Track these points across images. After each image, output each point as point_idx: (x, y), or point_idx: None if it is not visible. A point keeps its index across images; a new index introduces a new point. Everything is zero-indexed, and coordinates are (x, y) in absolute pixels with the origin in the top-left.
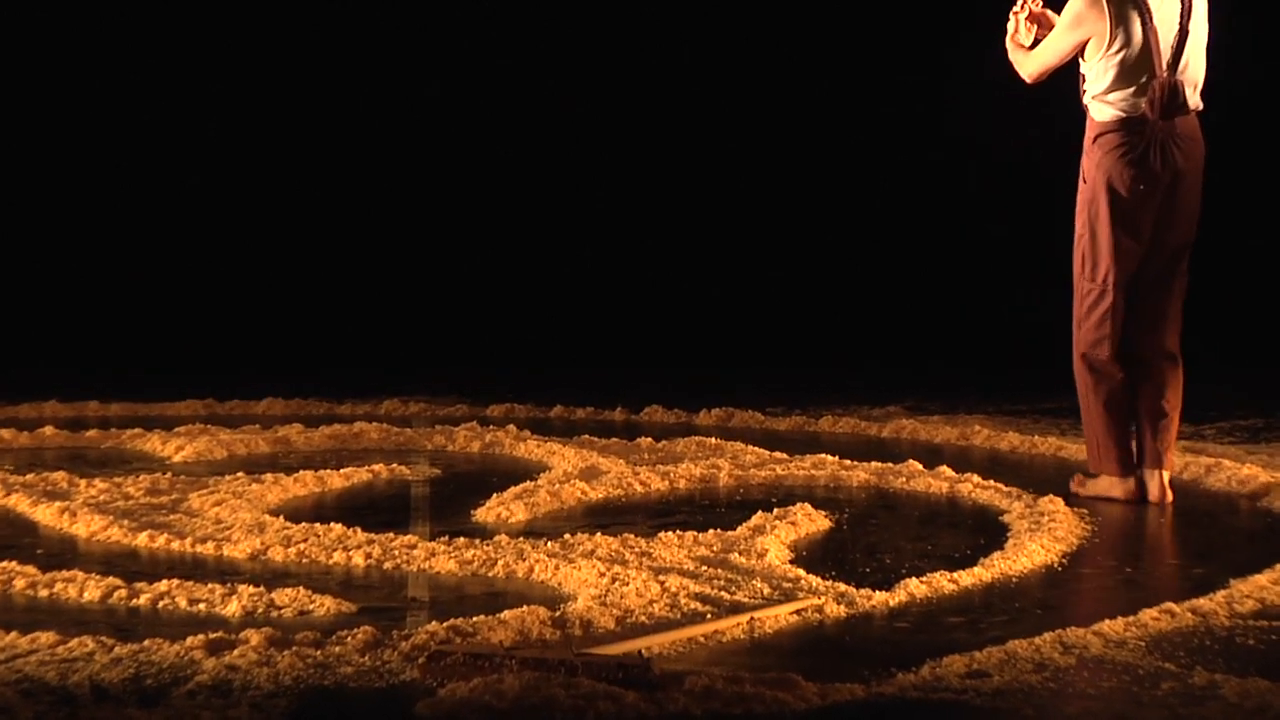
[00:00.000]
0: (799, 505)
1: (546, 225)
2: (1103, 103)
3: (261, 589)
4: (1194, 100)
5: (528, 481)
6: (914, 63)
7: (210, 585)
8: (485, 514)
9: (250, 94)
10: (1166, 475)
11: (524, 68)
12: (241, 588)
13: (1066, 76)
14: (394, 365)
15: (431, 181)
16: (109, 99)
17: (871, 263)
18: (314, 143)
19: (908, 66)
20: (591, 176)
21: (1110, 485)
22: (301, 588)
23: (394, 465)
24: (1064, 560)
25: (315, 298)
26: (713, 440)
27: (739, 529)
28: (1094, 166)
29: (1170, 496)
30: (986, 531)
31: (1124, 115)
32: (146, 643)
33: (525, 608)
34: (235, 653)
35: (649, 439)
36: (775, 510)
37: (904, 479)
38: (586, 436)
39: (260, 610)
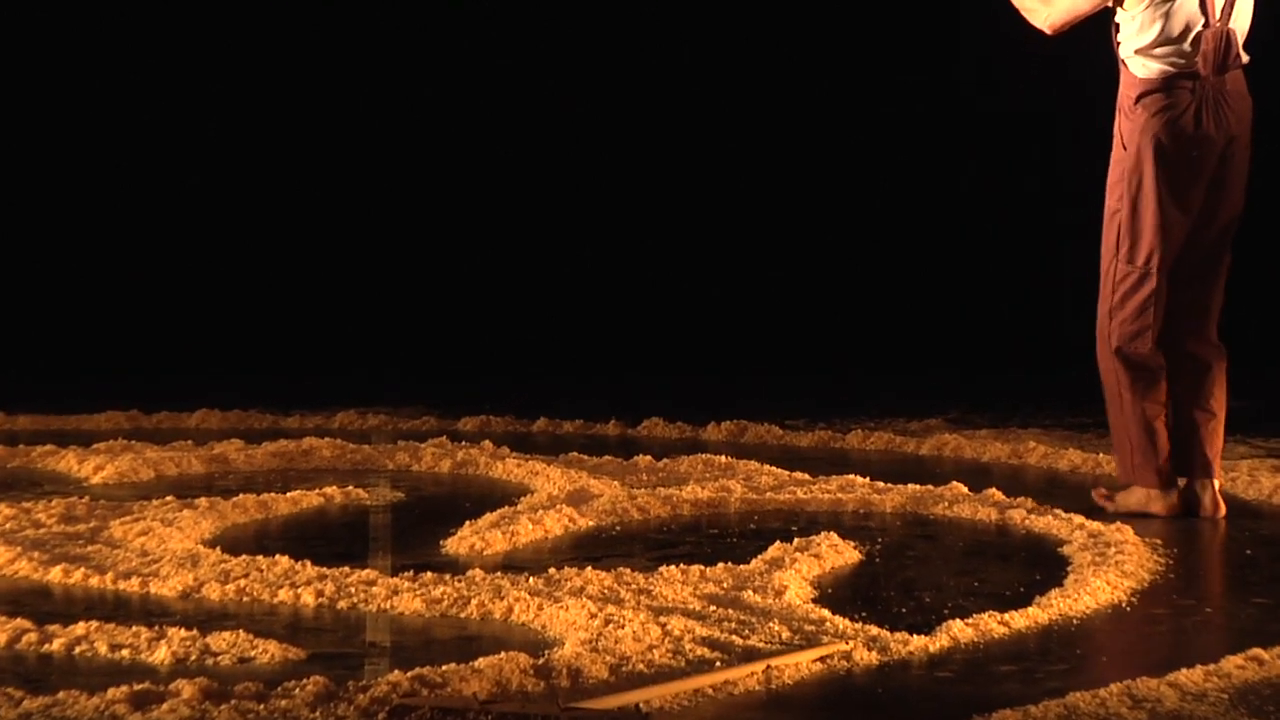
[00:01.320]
0: (823, 535)
1: (528, 217)
2: (1148, 57)
3: (195, 632)
4: (1242, 52)
5: (506, 507)
6: (930, 48)
7: (135, 628)
8: (456, 545)
9: (201, 88)
10: (1218, 485)
11: (515, 63)
12: (171, 631)
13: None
14: (350, 371)
15: (399, 172)
16: (56, 97)
17: (908, 253)
18: (265, 130)
19: (923, 54)
20: (585, 167)
21: (1147, 499)
22: (241, 631)
23: (349, 488)
24: (1134, 599)
25: (258, 294)
26: (722, 458)
27: (753, 562)
28: (1136, 131)
29: (1224, 510)
30: (1043, 565)
31: (1173, 71)
32: (61, 695)
33: (503, 654)
34: (164, 707)
35: (648, 457)
36: (796, 540)
37: (946, 504)
38: (575, 454)
39: (193, 657)
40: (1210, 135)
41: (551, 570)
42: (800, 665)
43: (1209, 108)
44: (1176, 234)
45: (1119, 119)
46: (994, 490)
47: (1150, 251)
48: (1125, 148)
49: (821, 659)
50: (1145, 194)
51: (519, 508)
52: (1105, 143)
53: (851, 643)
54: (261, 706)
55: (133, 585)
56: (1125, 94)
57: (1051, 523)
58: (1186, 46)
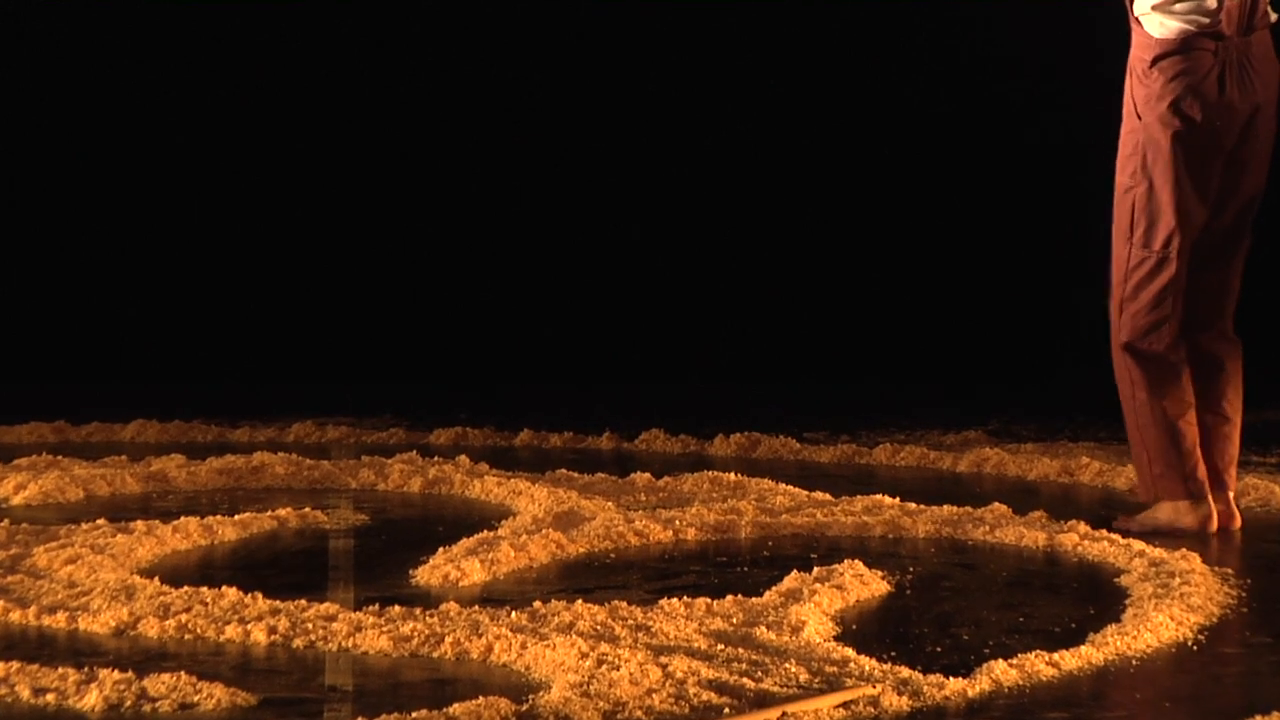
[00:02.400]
0: (847, 563)
1: (510, 208)
2: (1166, 14)
3: (130, 674)
4: (1270, 10)
5: (485, 531)
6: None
7: (61, 669)
8: (429, 574)
9: (161, 92)
10: (1232, 496)
11: (504, 63)
12: (103, 673)
13: None
14: (307, 377)
15: (363, 164)
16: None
17: (943, 246)
18: (218, 127)
19: (945, 53)
20: (580, 158)
21: (1175, 513)
22: (183, 672)
23: (306, 510)
24: (1201, 636)
25: (201, 292)
26: (731, 476)
27: (767, 594)
28: (1153, 98)
29: (1239, 522)
30: (1097, 598)
31: (1194, 30)
32: None
33: (482, 700)
34: None
35: (646, 475)
36: (815, 570)
37: (987, 528)
38: (563, 471)
39: (128, 703)
40: (1234, 103)
41: (537, 603)
42: (821, 712)
43: (1233, 72)
44: (1196, 214)
45: (1131, 84)
46: (1041, 512)
47: (1169, 234)
48: (1139, 117)
49: (845, 705)
50: (1162, 169)
51: (500, 532)
52: None
53: (879, 686)
54: None
55: (59, 620)
56: (1139, 56)
57: (1107, 549)
58: (1210, 3)
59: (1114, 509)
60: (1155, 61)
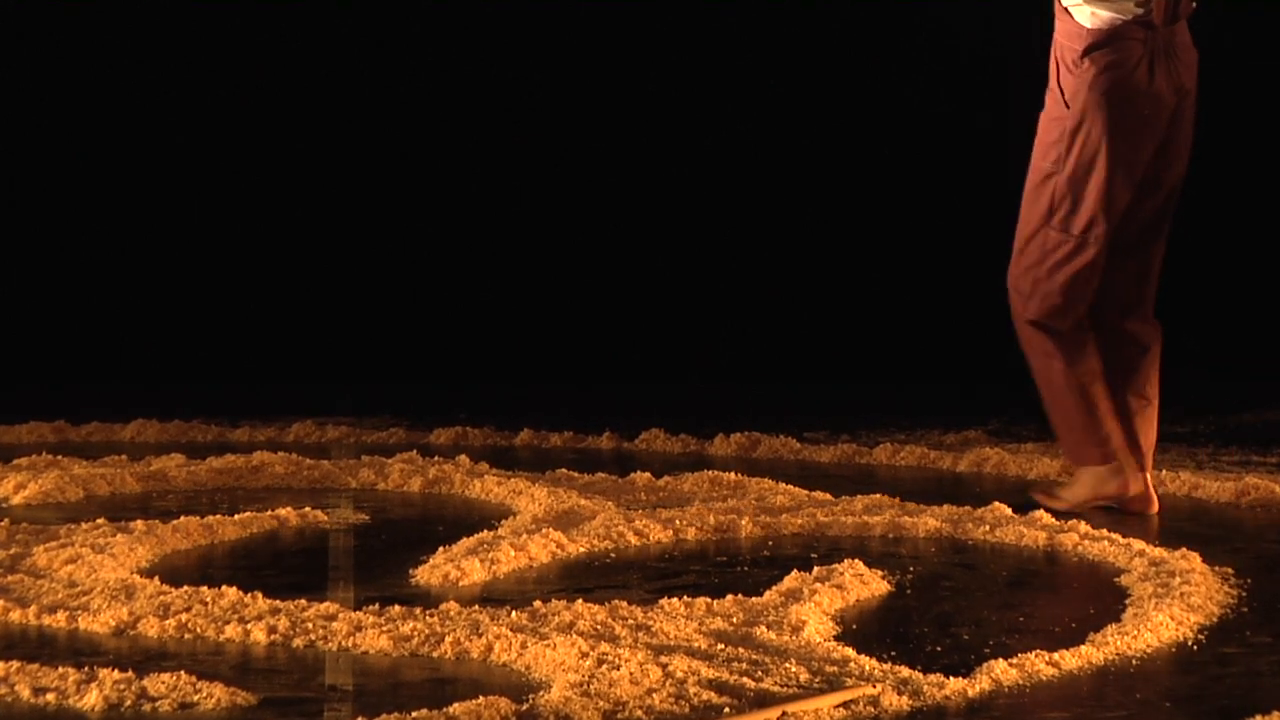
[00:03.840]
0: (847, 563)
1: (508, 206)
2: (1097, 5)
3: (130, 674)
4: None
5: (485, 531)
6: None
7: (61, 669)
8: (428, 574)
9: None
10: (1150, 477)
11: (501, 64)
12: (103, 672)
13: None
14: (306, 377)
15: (361, 164)
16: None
17: (940, 246)
18: (209, 127)
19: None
20: (579, 163)
21: (1097, 482)
22: (183, 672)
23: (306, 509)
24: (1201, 636)
25: (201, 292)
26: (731, 476)
27: (767, 594)
28: (1084, 87)
29: (1156, 505)
30: (1098, 598)
31: (1124, 19)
32: None
33: (482, 699)
34: None
35: (646, 474)
36: (815, 569)
37: (987, 528)
38: (564, 471)
39: (128, 702)
40: (1162, 92)
41: (537, 603)
42: (821, 712)
43: (1160, 61)
44: (1121, 201)
45: (1058, 73)
46: (1042, 512)
47: (1091, 220)
48: (1068, 105)
49: (845, 704)
50: (1091, 157)
51: (500, 532)
52: None
53: (879, 686)
54: None
55: (59, 620)
56: (1068, 46)
57: (1107, 549)
58: None
59: (1114, 508)
60: (1087, 51)
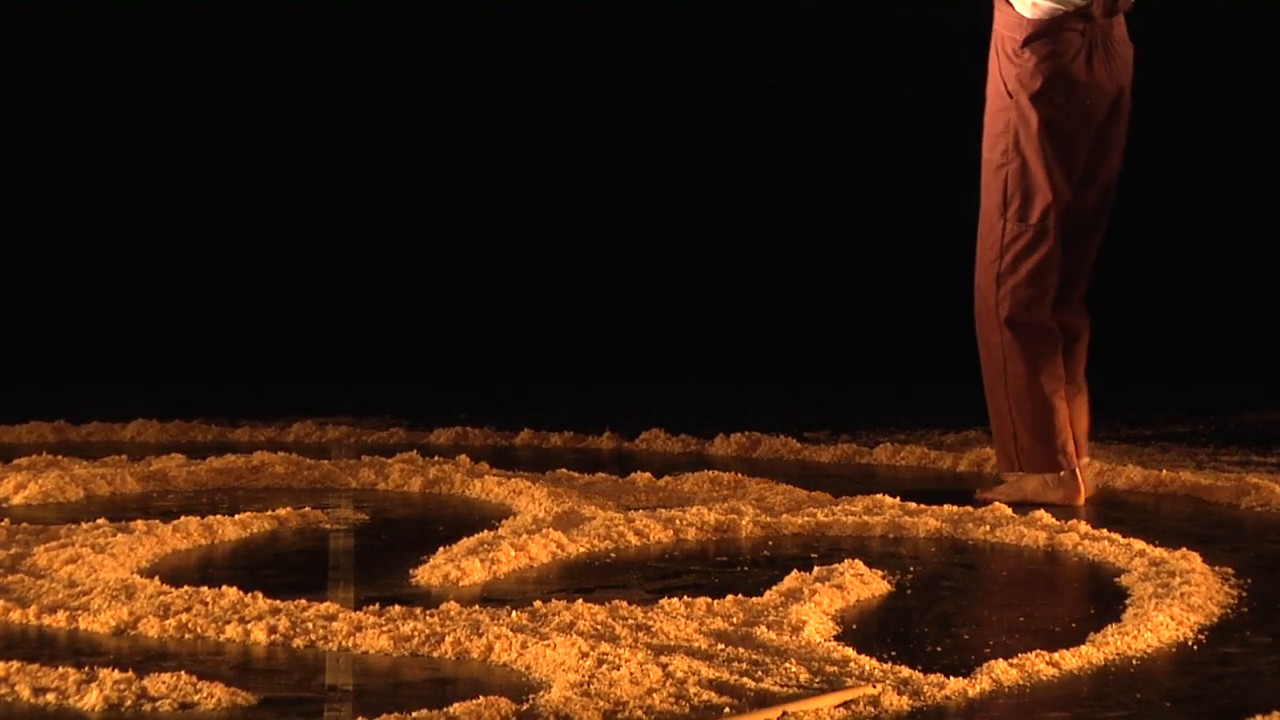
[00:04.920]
0: (847, 562)
1: (508, 205)
2: None
3: (130, 674)
4: None
5: (485, 531)
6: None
7: (62, 669)
8: (428, 574)
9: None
10: (1085, 464)
11: (501, 64)
12: (103, 672)
13: None
14: (306, 377)
15: (361, 163)
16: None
17: (942, 246)
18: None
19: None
20: (579, 163)
21: (1043, 486)
22: (183, 672)
23: (306, 509)
24: (1201, 636)
25: (201, 292)
26: (731, 476)
27: (767, 594)
28: (1025, 76)
29: (1092, 492)
30: (1098, 598)
31: (1065, 10)
32: None
33: (482, 699)
34: None
35: (647, 474)
36: (816, 569)
37: (987, 527)
38: (564, 471)
39: (128, 702)
40: (1102, 83)
41: (537, 603)
42: (821, 712)
43: (1099, 53)
44: (1065, 192)
45: (999, 63)
46: (1042, 512)
47: (1045, 208)
48: (1010, 95)
49: (845, 704)
50: (1035, 146)
51: (500, 532)
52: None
53: (879, 686)
54: None
55: (59, 620)
56: (1008, 36)
57: (1108, 549)
58: None
59: (1114, 508)
60: (1027, 42)
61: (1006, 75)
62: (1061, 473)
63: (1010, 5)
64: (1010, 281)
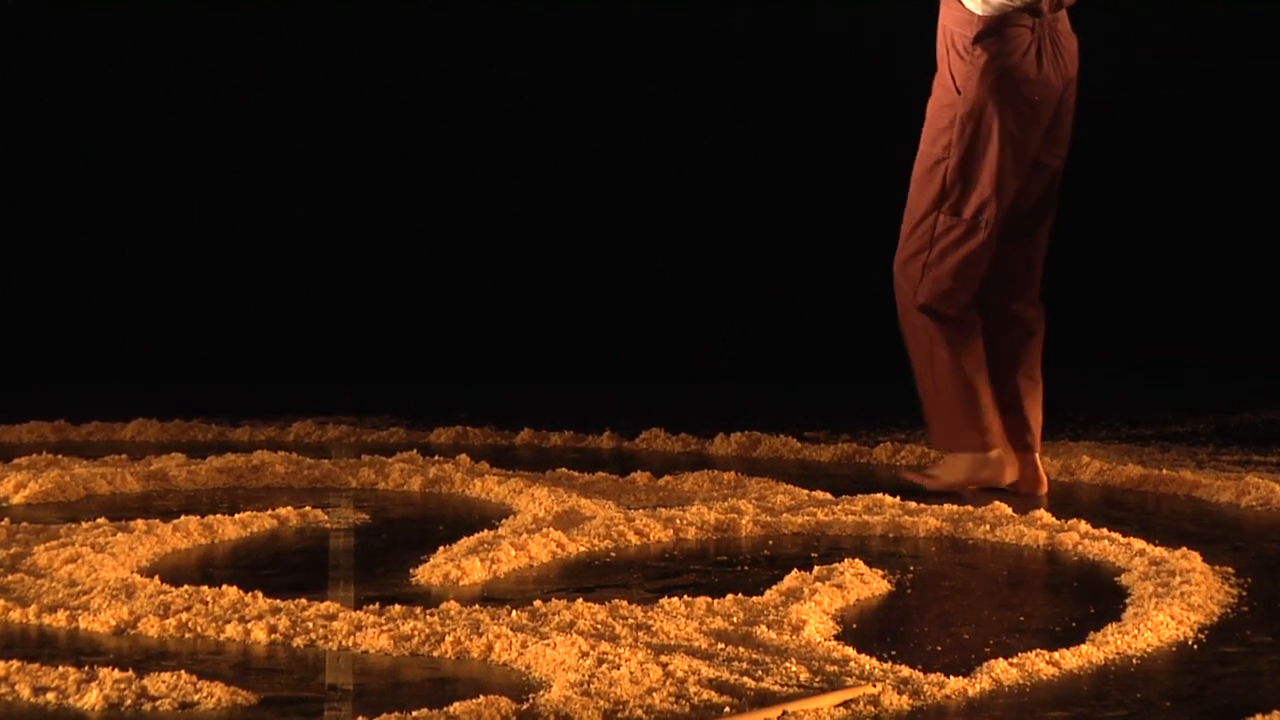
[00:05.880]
0: (847, 562)
1: (508, 204)
2: None
3: (130, 673)
4: None
5: (485, 531)
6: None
7: (62, 668)
8: (429, 574)
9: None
10: (1039, 457)
11: (501, 64)
12: (103, 672)
13: None
14: (306, 377)
15: (361, 162)
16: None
17: None
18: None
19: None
20: (579, 163)
21: (975, 466)
22: (183, 671)
23: (306, 509)
24: (1201, 635)
25: (201, 291)
26: (731, 475)
27: (767, 594)
28: (977, 74)
29: (1046, 486)
30: (1098, 597)
31: (1015, 7)
32: None
33: (482, 699)
34: None
35: (647, 474)
36: (816, 569)
37: (987, 527)
38: (564, 470)
39: (128, 702)
40: (1050, 79)
41: (537, 603)
42: (821, 711)
43: (1047, 48)
44: (1012, 186)
45: (949, 59)
46: (1042, 511)
47: (983, 204)
48: (959, 91)
49: (845, 704)
50: (983, 142)
51: (500, 532)
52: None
53: (879, 685)
54: None
55: (59, 619)
56: (959, 33)
57: (1108, 548)
58: None
59: (1115, 508)
60: (979, 39)
61: (956, 72)
62: (990, 452)
63: (960, 2)
64: (934, 272)
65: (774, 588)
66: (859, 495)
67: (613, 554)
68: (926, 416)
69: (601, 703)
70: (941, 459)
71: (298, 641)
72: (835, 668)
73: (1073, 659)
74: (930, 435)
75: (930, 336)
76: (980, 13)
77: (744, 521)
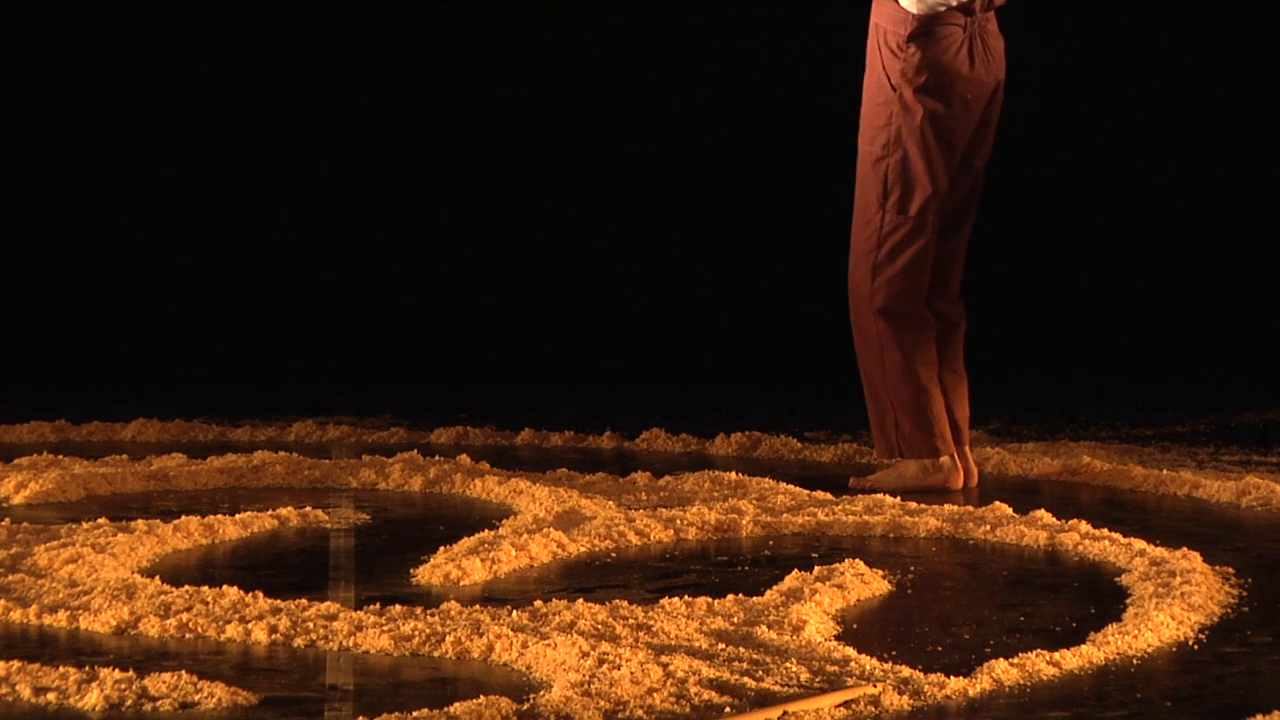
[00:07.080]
0: (848, 562)
1: (509, 204)
2: None
3: (131, 674)
4: None
5: (485, 531)
6: None
7: (62, 668)
8: (429, 574)
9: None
10: (968, 451)
11: (501, 64)
12: (104, 672)
13: None
14: (307, 376)
15: (361, 160)
16: None
17: None
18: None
19: None
20: (579, 163)
21: (924, 471)
22: (184, 672)
23: (307, 509)
24: (1202, 636)
25: (202, 291)
26: (732, 475)
27: (767, 594)
28: (910, 71)
29: (976, 479)
30: (1098, 597)
31: (948, 5)
32: None
33: (483, 699)
34: None
35: (647, 474)
36: (816, 569)
37: (988, 527)
38: (564, 470)
39: (129, 702)
40: (982, 77)
41: (537, 603)
42: (822, 711)
43: (978, 47)
44: (944, 185)
45: (881, 56)
46: (1043, 511)
47: (925, 201)
48: (894, 89)
49: (846, 704)
50: (918, 140)
51: (500, 532)
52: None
53: (880, 685)
54: None
55: (60, 620)
56: (892, 30)
57: (1108, 548)
58: None
59: (1116, 508)
60: (912, 37)
61: (890, 69)
62: (941, 458)
63: (897, 3)
64: (887, 273)
65: (774, 588)
66: (859, 495)
67: (613, 554)
68: (872, 423)
69: (602, 703)
70: (889, 465)
71: (298, 642)
72: (836, 668)
73: (1073, 659)
74: (875, 443)
75: (882, 341)
76: (915, 11)
77: (744, 522)
